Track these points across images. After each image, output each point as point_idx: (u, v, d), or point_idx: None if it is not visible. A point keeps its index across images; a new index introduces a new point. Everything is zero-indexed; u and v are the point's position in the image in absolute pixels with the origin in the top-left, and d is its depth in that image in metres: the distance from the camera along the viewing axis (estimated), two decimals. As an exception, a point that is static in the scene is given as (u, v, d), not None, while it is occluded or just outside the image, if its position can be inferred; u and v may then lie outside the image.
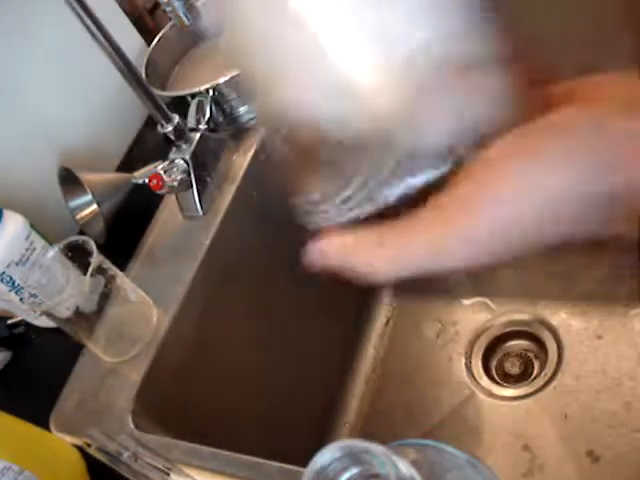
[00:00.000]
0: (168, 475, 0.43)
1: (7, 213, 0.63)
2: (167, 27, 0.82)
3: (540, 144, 0.26)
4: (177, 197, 0.69)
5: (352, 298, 0.86)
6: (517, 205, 0.26)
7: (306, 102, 0.28)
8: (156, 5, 0.92)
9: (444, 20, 0.27)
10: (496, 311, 0.80)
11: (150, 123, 0.85)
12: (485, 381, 0.76)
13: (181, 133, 0.67)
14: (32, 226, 0.64)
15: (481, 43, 0.27)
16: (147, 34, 0.89)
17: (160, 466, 0.43)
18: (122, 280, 0.58)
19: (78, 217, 0.74)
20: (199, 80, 0.72)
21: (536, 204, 0.25)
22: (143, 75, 0.74)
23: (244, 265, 0.69)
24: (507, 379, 0.75)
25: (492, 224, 0.26)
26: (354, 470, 0.25)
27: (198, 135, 0.68)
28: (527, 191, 0.25)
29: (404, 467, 0.25)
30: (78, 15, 0.56)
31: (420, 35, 0.26)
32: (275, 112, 0.29)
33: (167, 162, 0.66)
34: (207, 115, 0.70)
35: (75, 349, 0.62)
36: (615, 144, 0.24)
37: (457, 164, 0.27)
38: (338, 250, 0.31)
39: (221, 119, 0.74)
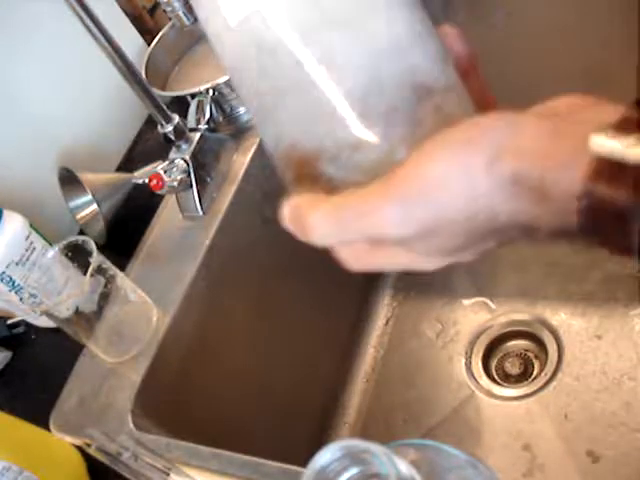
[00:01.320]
0: (168, 475, 0.43)
1: (7, 213, 0.63)
2: (167, 27, 0.81)
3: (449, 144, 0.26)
4: (177, 197, 0.69)
5: (352, 298, 0.86)
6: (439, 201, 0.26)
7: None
8: (156, 5, 0.92)
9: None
10: (496, 311, 0.80)
11: (150, 123, 0.85)
12: (485, 381, 0.76)
13: (181, 133, 0.67)
14: (32, 226, 0.64)
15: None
16: (147, 34, 0.89)
17: (160, 466, 0.43)
18: (122, 280, 0.58)
19: (78, 217, 0.74)
20: (199, 80, 0.72)
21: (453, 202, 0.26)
22: (143, 75, 0.74)
23: (244, 265, 0.69)
24: (507, 379, 0.75)
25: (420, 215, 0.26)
26: (354, 470, 0.25)
27: (198, 135, 0.68)
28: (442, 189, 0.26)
29: (404, 467, 0.25)
30: (78, 15, 0.56)
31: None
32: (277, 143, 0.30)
33: (167, 162, 0.67)
34: (207, 115, 0.70)
35: (75, 349, 0.62)
36: (502, 137, 0.25)
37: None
38: (290, 212, 0.30)
39: (221, 119, 0.74)
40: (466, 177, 0.25)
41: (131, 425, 0.54)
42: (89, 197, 0.69)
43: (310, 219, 0.29)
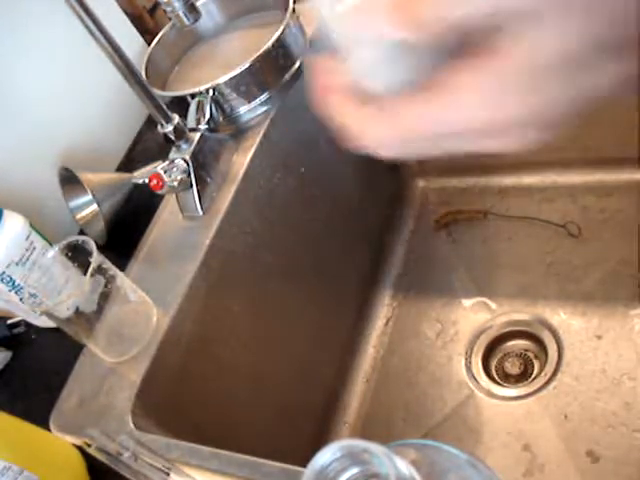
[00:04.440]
0: (168, 475, 0.43)
1: (7, 213, 0.63)
2: (167, 27, 0.81)
3: None
4: (177, 197, 0.69)
5: (352, 298, 0.86)
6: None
7: None
8: (156, 5, 0.92)
9: None
10: (496, 311, 0.80)
11: (150, 123, 0.85)
12: (485, 381, 0.76)
13: (181, 133, 0.67)
14: (32, 226, 0.64)
15: None
16: (147, 34, 0.89)
17: (160, 466, 0.43)
18: (122, 280, 0.58)
19: (78, 217, 0.74)
20: (199, 80, 0.72)
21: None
22: (143, 75, 0.74)
23: (244, 265, 0.69)
24: (507, 379, 0.75)
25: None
26: (354, 470, 0.25)
27: (198, 135, 0.68)
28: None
29: (404, 467, 0.25)
30: (78, 15, 0.56)
31: None
32: None
33: (167, 162, 0.66)
34: (207, 115, 0.70)
35: (75, 349, 0.62)
36: None
37: None
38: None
39: (221, 119, 0.74)
40: None
41: (131, 425, 0.54)
42: (89, 197, 0.69)
43: None
